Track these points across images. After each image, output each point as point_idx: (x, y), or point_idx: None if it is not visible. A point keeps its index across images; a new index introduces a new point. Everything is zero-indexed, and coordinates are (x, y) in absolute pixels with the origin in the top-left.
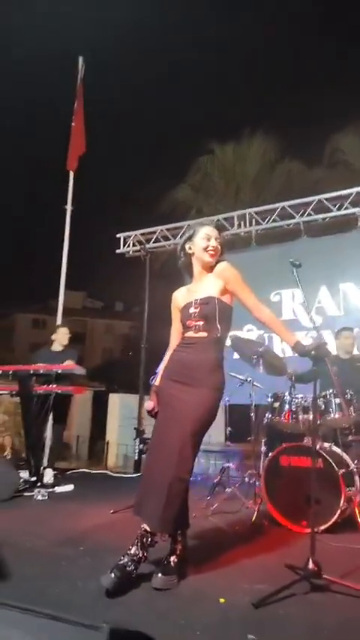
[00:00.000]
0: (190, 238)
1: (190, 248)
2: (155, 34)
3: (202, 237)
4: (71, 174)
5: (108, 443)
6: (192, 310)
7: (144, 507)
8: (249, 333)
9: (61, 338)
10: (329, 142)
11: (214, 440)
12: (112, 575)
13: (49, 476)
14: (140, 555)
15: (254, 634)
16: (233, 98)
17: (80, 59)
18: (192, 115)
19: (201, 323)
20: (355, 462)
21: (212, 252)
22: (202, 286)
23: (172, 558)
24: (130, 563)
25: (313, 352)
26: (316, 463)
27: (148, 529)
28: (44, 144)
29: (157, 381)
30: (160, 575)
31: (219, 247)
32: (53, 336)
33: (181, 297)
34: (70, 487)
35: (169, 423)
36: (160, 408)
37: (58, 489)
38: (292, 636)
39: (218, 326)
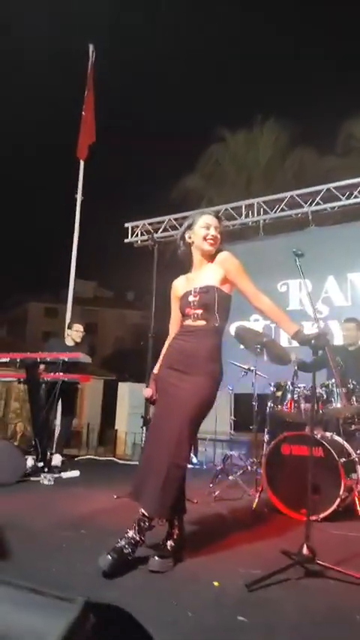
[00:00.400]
0: (189, 227)
1: (189, 237)
2: (166, 21)
3: (202, 226)
4: (82, 163)
5: (117, 431)
6: (191, 298)
7: (142, 492)
8: (255, 323)
9: (74, 335)
10: (342, 128)
11: (221, 429)
12: (109, 557)
13: (57, 460)
14: (137, 539)
15: (244, 616)
16: (245, 85)
17: (90, 47)
18: (203, 103)
19: (200, 311)
20: (358, 451)
21: (211, 241)
22: (201, 275)
23: (169, 542)
24: (127, 546)
25: (313, 341)
26: (314, 451)
27: (145, 514)
28: (56, 132)
29: (156, 368)
30: (156, 558)
31: (218, 236)
32: (68, 331)
33: (180, 285)
34: (76, 473)
35: (166, 410)
36: (159, 396)
37: (64, 475)
38: (282, 619)
39: (217, 315)
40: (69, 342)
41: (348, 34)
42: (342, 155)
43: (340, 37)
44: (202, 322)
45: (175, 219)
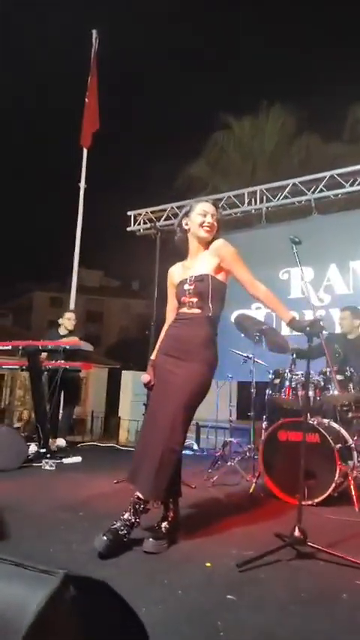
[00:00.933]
0: (186, 214)
1: (186, 224)
2: (171, 7)
3: (199, 213)
4: (85, 152)
5: (120, 418)
6: (186, 287)
7: (137, 476)
8: (257, 311)
9: (66, 323)
10: (349, 114)
11: (223, 417)
12: (105, 538)
13: (61, 442)
14: (133, 521)
15: (234, 595)
16: (251, 70)
17: (94, 32)
18: (208, 89)
19: (195, 300)
20: (355, 437)
21: (208, 229)
22: (197, 263)
23: (164, 524)
24: (122, 528)
25: (307, 328)
26: (311, 438)
27: (141, 496)
28: (59, 120)
29: (153, 355)
30: (151, 539)
31: (215, 224)
32: (60, 320)
33: (176, 273)
34: (78, 459)
35: (162, 396)
36: (156, 382)
37: (66, 460)
38: (270, 597)
39: (210, 305)
40: (62, 331)
41: (355, 19)
42: (349, 141)
43: (347, 22)
44: (197, 310)
45: (178, 208)
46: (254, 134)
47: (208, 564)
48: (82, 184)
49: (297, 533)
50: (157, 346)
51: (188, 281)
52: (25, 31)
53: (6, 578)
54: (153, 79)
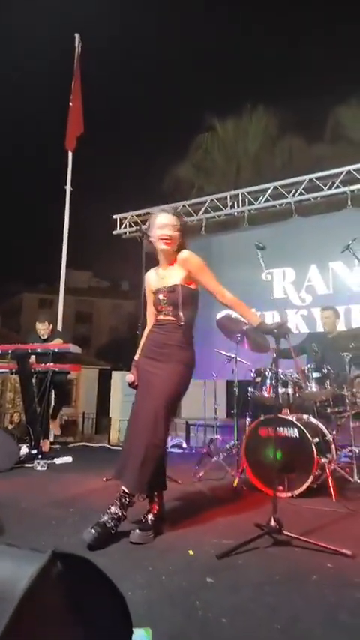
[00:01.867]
0: (149, 227)
1: (150, 236)
2: (153, 9)
3: (157, 227)
4: (70, 155)
5: (111, 419)
6: (161, 297)
7: (123, 472)
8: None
9: (41, 332)
10: (331, 117)
11: (211, 415)
12: (93, 531)
13: (46, 445)
14: (119, 514)
15: (213, 578)
16: (234, 73)
17: (77, 36)
18: (192, 91)
19: (169, 309)
20: (334, 432)
21: (166, 241)
22: (168, 273)
23: (149, 516)
24: (110, 521)
25: (275, 331)
26: (290, 432)
27: (126, 490)
28: (45, 123)
29: (136, 356)
30: (137, 531)
31: (174, 234)
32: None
33: (152, 279)
34: (69, 459)
35: (144, 395)
36: (138, 382)
37: (57, 461)
38: (246, 580)
39: (181, 313)
40: (42, 336)
41: (339, 22)
42: (331, 143)
43: (332, 25)
44: (172, 318)
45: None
46: (238, 136)
47: (190, 552)
48: (68, 187)
49: (273, 522)
50: (139, 348)
51: (162, 291)
52: (7, 33)
53: None
54: (138, 82)
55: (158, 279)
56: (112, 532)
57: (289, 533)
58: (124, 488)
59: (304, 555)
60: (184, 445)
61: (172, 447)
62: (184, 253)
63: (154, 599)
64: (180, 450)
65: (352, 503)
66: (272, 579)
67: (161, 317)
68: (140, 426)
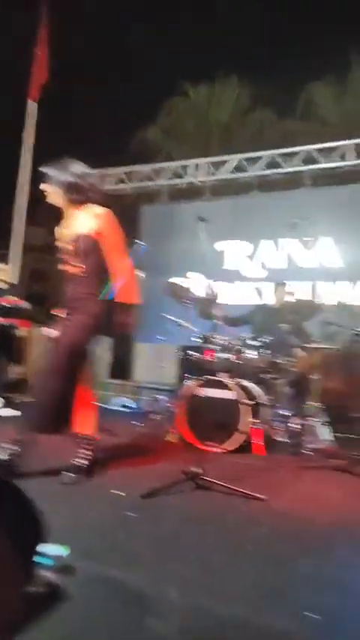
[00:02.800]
0: (57, 177)
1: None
2: None
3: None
4: (33, 105)
5: None
6: (66, 247)
7: (32, 416)
8: (190, 280)
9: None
10: (303, 93)
11: (159, 378)
12: None
13: None
14: (16, 450)
15: (136, 514)
16: (208, 39)
17: None
18: (164, 53)
19: (73, 259)
20: (270, 396)
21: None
22: (73, 223)
23: (80, 460)
24: (7, 456)
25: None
26: (224, 394)
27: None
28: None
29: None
30: (67, 473)
31: (54, 189)
32: None
33: (60, 234)
34: (16, 412)
35: (54, 345)
36: None
37: (2, 412)
38: (168, 516)
39: (84, 264)
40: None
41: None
42: (301, 119)
43: (305, 4)
44: (77, 269)
45: (127, 173)
46: (210, 103)
47: (118, 492)
48: (27, 138)
49: (197, 469)
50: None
51: (67, 241)
52: None
53: None
54: (109, 38)
55: (64, 231)
56: (17, 468)
57: (211, 479)
58: (30, 430)
59: (223, 499)
60: (133, 405)
61: (121, 406)
62: (101, 209)
63: (79, 530)
64: (127, 410)
65: (276, 459)
66: (191, 517)
67: (69, 268)
68: (46, 373)
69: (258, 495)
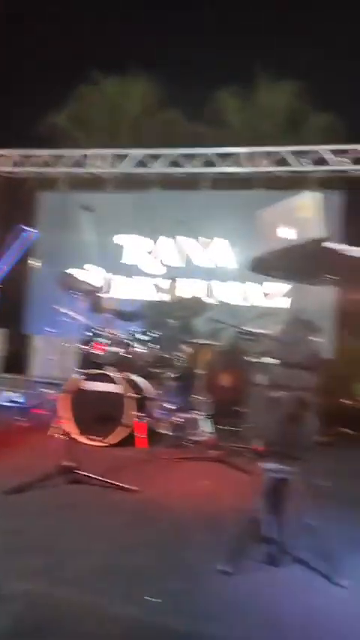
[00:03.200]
0: None
1: None
2: None
3: None
4: None
5: None
6: None
7: None
8: (86, 272)
9: None
10: (212, 98)
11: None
12: None
13: None
14: None
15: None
16: (125, 31)
17: None
18: (80, 40)
19: None
20: (157, 390)
21: None
22: None
23: None
24: None
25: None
26: (109, 387)
27: None
28: None
29: None
30: None
31: None
32: None
33: None
34: None
35: None
36: None
37: None
38: (27, 511)
39: None
40: None
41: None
42: (209, 124)
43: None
44: None
45: (24, 156)
46: (120, 96)
47: None
48: None
49: (70, 463)
50: None
51: None
52: None
53: None
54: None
55: None
56: None
57: (82, 472)
58: None
59: (93, 491)
60: (20, 400)
61: (8, 401)
62: None
63: None
64: (16, 405)
65: (157, 452)
66: (53, 509)
67: None
68: None
69: (128, 486)
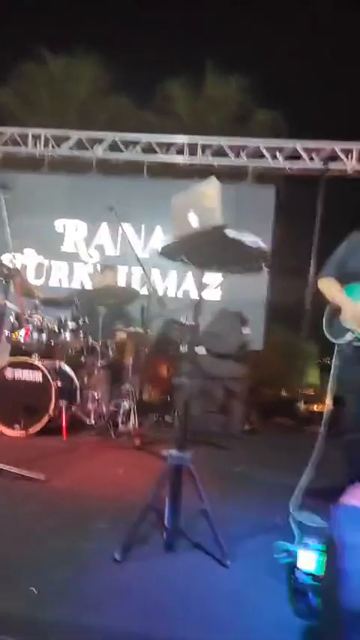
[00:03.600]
0: None
1: None
2: None
3: None
4: None
5: None
6: None
7: None
8: (25, 257)
9: None
10: (161, 87)
11: None
12: None
13: None
14: None
15: None
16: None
17: None
18: (27, 12)
19: None
20: (85, 379)
21: None
22: None
23: None
24: None
25: None
26: (35, 376)
27: None
28: None
29: None
30: None
31: None
32: None
33: None
34: None
35: None
36: None
37: None
38: None
39: None
40: None
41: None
42: (158, 113)
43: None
44: None
45: None
46: (69, 77)
47: None
48: None
49: None
50: None
51: None
52: None
53: None
54: None
55: None
56: None
57: None
58: None
59: (6, 480)
60: None
61: None
62: None
63: None
64: None
65: (79, 441)
66: None
67: None
68: None
69: (34, 476)
